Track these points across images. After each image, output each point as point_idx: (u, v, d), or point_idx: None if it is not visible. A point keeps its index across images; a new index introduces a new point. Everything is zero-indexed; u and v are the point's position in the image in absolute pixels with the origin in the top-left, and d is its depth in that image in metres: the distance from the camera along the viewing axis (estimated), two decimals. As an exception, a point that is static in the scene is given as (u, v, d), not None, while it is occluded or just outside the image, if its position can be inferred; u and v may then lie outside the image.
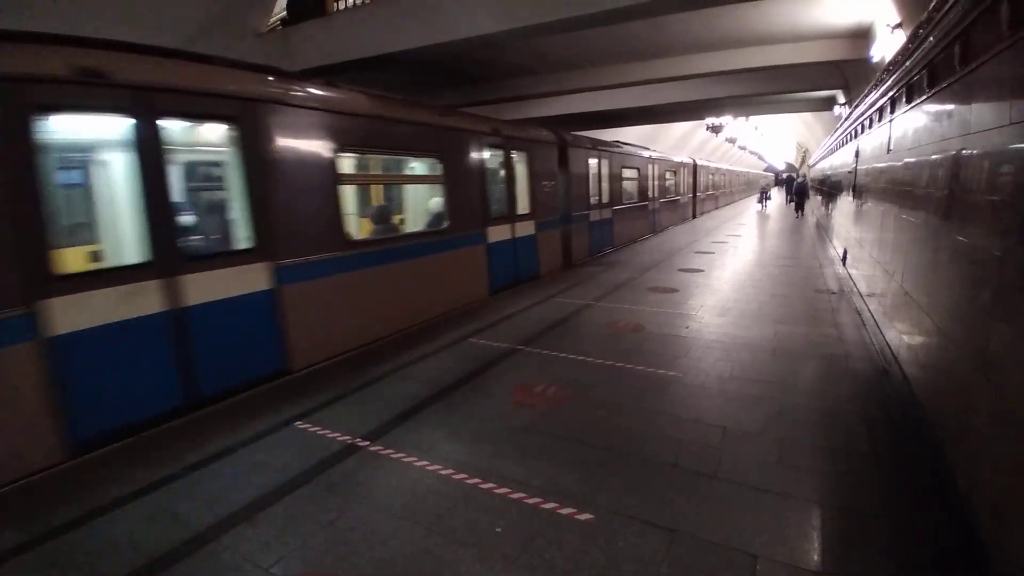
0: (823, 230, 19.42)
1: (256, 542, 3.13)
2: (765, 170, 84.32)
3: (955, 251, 3.80)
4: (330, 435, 4.45)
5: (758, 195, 36.96)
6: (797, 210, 27.82)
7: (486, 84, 19.22)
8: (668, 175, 22.82)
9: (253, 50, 12.86)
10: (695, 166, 28.46)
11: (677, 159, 24.91)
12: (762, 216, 29.26)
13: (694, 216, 28.36)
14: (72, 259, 4.62)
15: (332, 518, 3.34)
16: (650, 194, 19.93)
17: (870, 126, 9.13)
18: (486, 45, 12.29)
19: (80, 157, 5.12)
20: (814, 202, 27.88)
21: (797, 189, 28.23)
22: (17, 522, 3.38)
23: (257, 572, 2.89)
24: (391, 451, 4.15)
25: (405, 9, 11.29)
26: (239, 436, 4.45)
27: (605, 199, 15.26)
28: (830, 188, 19.46)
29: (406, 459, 4.03)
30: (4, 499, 3.65)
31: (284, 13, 13.53)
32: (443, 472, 3.84)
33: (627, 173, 17.30)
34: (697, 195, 29.33)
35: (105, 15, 10.17)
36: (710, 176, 34.32)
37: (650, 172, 19.70)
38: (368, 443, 4.29)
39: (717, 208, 36.77)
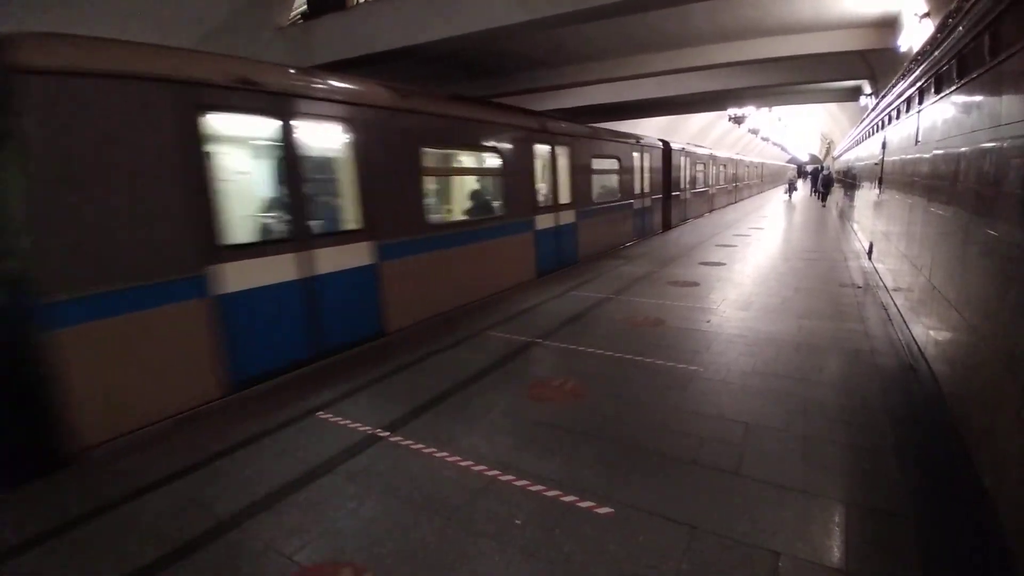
0: (848, 222, 19.10)
1: (279, 530, 3.18)
2: (788, 161, 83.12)
3: (985, 245, 3.71)
4: (351, 425, 4.50)
5: (785, 186, 39.81)
6: (822, 199, 30.73)
7: (505, 76, 19.16)
8: (604, 164, 13.95)
9: (273, 44, 12.97)
10: (669, 152, 19.02)
11: (625, 140, 15.48)
12: (788, 206, 30.56)
13: (666, 227, 19.55)
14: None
15: (353, 507, 3.38)
16: (559, 197, 11.34)
17: (897, 117, 8.95)
18: (505, 37, 12.23)
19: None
20: (839, 195, 28.17)
21: (823, 181, 30.89)
22: (42, 510, 3.47)
23: (279, 559, 2.94)
24: (411, 442, 4.19)
25: (425, 1, 11.28)
26: (263, 425, 4.52)
27: (438, 216, 8.45)
28: (856, 180, 19.13)
29: (426, 450, 4.06)
30: (30, 487, 3.74)
31: (304, 7, 13.61)
32: (462, 464, 3.86)
33: (493, 162, 9.41)
34: (675, 195, 20.20)
35: (126, 10, 10.30)
36: (699, 167, 24.50)
37: (556, 159, 11.20)
38: (388, 434, 4.33)
39: (712, 211, 27.46)
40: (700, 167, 24.75)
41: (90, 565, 2.96)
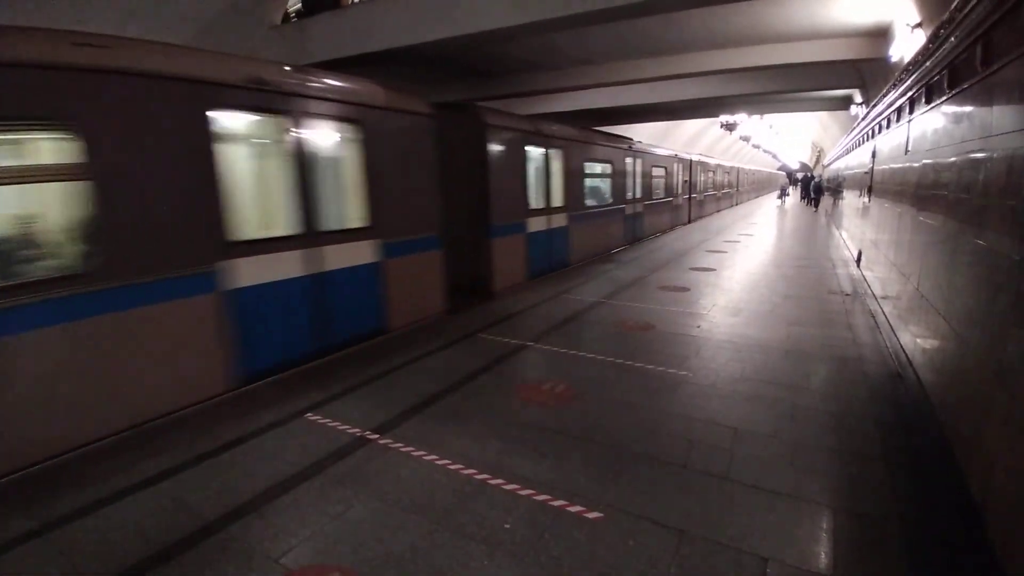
0: (837, 230, 19.24)
1: (265, 532, 3.15)
2: (779, 169, 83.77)
3: (973, 255, 3.75)
4: (340, 427, 4.47)
5: (777, 192, 42.29)
6: (812, 204, 33.49)
7: (497, 79, 19.11)
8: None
9: (268, 42, 12.90)
10: (481, 132, 9.70)
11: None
12: (780, 211, 32.57)
13: (487, 296, 9.63)
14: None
15: (341, 510, 3.36)
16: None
17: (887, 126, 9.03)
18: (499, 39, 12.23)
19: None
20: (828, 202, 28.52)
21: (814, 188, 33.71)
22: (25, 509, 3.42)
23: (266, 562, 2.91)
24: (400, 445, 4.16)
25: (421, 2, 11.27)
26: (250, 426, 4.48)
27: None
28: (845, 188, 19.28)
29: (415, 453, 4.04)
30: (12, 487, 3.69)
31: (299, 5, 13.55)
32: (452, 467, 3.84)
33: None
34: (501, 232, 10.12)
35: (123, 8, 10.22)
36: (599, 171, 14.88)
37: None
38: (378, 436, 4.30)
39: (636, 241, 17.63)
40: (602, 169, 14.76)
41: (75, 565, 2.92)
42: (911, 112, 6.71)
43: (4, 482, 3.69)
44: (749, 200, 47.02)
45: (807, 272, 11.35)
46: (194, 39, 11.41)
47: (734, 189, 38.75)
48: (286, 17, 13.38)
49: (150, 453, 4.07)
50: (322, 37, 12.62)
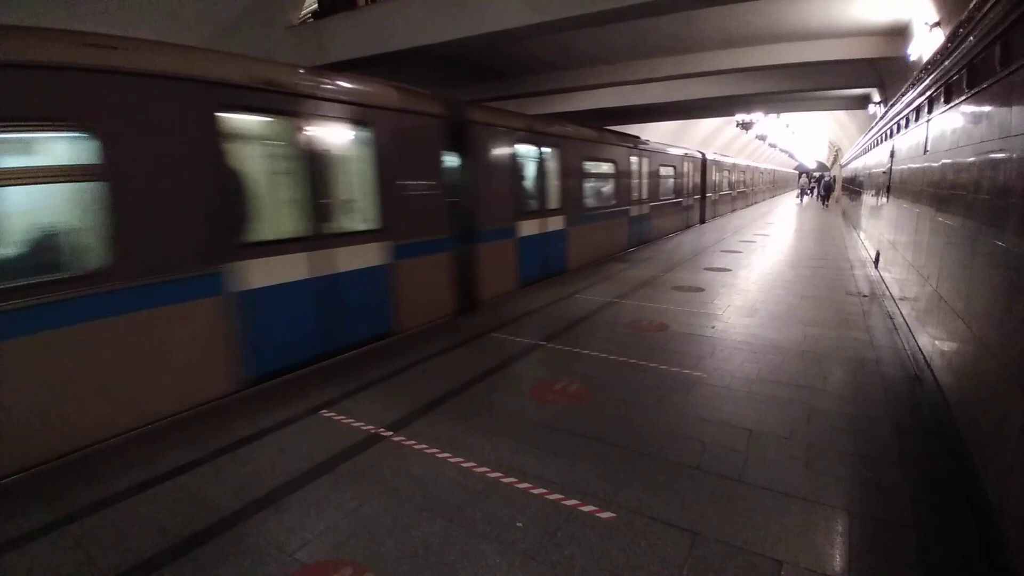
0: (854, 230, 19.04)
1: (280, 527, 3.18)
2: (795, 168, 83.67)
3: (993, 256, 3.70)
4: (354, 424, 4.50)
5: (797, 191, 46.30)
6: (823, 201, 38.15)
7: (512, 79, 19.16)
8: None
9: (284, 43, 13.02)
10: None
11: None
12: (800, 208, 34.83)
13: None
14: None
15: (355, 506, 3.39)
16: None
17: (906, 126, 8.92)
18: (514, 39, 12.24)
19: None
20: (845, 202, 28.42)
21: (824, 186, 38.73)
22: (43, 502, 3.48)
23: (281, 557, 2.94)
24: (414, 442, 4.19)
25: (437, 3, 11.31)
26: (265, 422, 4.53)
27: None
28: (863, 188, 19.08)
29: (428, 450, 4.06)
30: (31, 480, 3.76)
31: (315, 6, 13.65)
32: (465, 465, 3.86)
33: None
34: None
35: (140, 7, 10.36)
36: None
37: None
38: (392, 433, 4.33)
39: None
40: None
41: (92, 558, 2.97)
42: (930, 112, 6.63)
43: (22, 476, 3.76)
44: (735, 211, 32.38)
45: (824, 273, 11.24)
46: (211, 40, 11.54)
47: (690, 199, 22.82)
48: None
49: (166, 447, 4.13)
50: (338, 38, 12.70)
